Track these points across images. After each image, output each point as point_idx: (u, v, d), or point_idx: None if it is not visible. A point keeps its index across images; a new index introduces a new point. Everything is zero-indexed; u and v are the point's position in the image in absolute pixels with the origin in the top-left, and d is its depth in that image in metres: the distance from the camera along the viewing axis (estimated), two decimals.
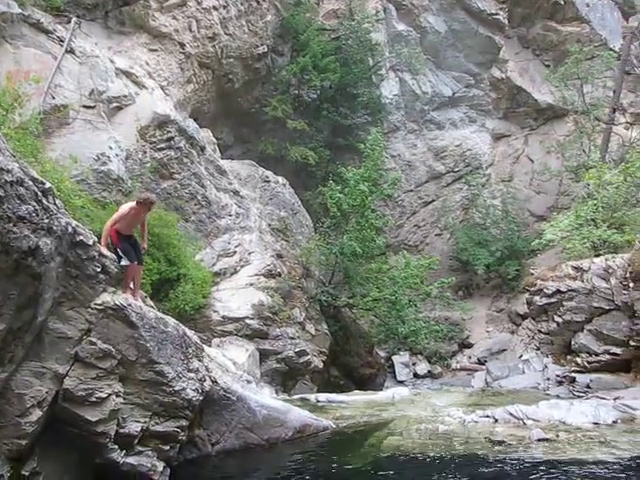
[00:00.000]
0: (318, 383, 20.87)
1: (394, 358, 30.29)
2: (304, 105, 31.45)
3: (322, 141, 30.88)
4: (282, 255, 21.93)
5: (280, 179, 25.34)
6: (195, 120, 22.58)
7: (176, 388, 9.96)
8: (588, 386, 19.51)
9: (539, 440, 13.04)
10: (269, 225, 22.95)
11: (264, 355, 19.01)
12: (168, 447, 9.99)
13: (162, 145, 19.87)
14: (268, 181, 24.74)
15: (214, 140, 24.55)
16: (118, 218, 10.80)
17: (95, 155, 17.98)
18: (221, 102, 27.39)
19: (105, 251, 9.99)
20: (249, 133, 30.37)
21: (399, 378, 29.10)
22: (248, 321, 19.00)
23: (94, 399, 9.10)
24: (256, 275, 20.47)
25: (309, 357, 20.10)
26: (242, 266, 20.71)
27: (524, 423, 14.47)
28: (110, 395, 9.27)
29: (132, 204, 11.06)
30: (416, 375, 30.20)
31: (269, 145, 29.38)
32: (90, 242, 9.41)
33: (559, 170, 35.85)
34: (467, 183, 37.76)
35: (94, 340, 9.29)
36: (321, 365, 20.84)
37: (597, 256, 22.35)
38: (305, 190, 28.80)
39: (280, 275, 20.98)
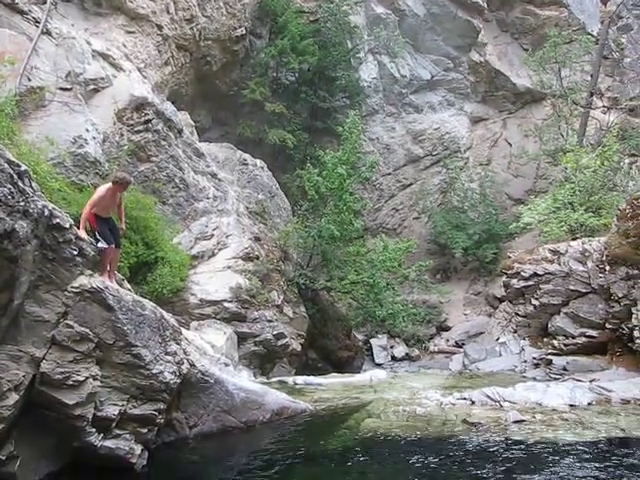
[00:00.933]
0: (296, 366, 20.87)
1: (372, 341, 30.37)
2: (282, 88, 31.38)
3: (300, 124, 30.83)
4: (260, 238, 21.88)
5: (258, 162, 25.26)
6: (173, 103, 22.42)
7: (153, 371, 9.93)
8: (564, 368, 19.65)
9: (515, 422, 13.13)
10: (247, 208, 22.90)
11: (242, 338, 19.00)
12: (146, 430, 9.97)
13: (139, 128, 19.70)
14: (246, 164, 24.66)
15: (192, 123, 24.43)
16: (96, 200, 10.73)
17: (72, 138, 17.77)
18: (199, 85, 27.25)
19: (82, 234, 9.94)
20: (227, 116, 30.26)
21: (377, 361, 29.18)
22: (226, 304, 18.95)
23: (71, 382, 9.06)
24: (234, 258, 20.41)
25: (287, 340, 20.12)
26: (220, 249, 20.64)
27: (501, 405, 14.55)
28: (87, 378, 9.23)
29: (108, 185, 11.00)
30: (394, 358, 30.28)
31: (247, 128, 29.29)
32: (67, 225, 9.34)
33: (537, 154, 35.99)
34: (445, 166, 37.81)
35: (71, 323, 9.24)
36: (299, 348, 20.85)
37: (574, 239, 22.50)
38: (283, 173, 28.77)
39: (258, 258, 20.94)
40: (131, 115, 19.66)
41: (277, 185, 25.67)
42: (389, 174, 37.38)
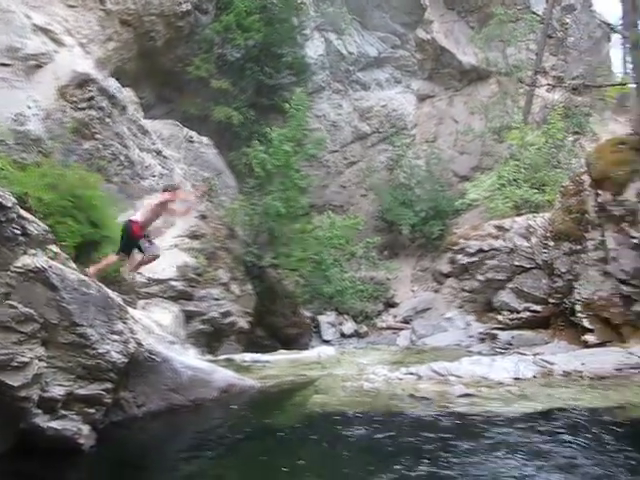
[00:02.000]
0: (244, 344, 20.88)
1: (320, 318, 30.38)
2: (228, 64, 31.03)
3: (246, 101, 30.56)
4: (206, 216, 21.76)
5: (204, 139, 25.12)
6: (117, 79, 22.06)
7: (100, 351, 9.87)
8: (509, 342, 20.00)
9: (461, 395, 13.34)
10: (193, 186, 22.75)
11: (189, 317, 18.94)
12: (93, 410, 9.91)
13: (83, 105, 19.39)
14: (192, 141, 24.53)
15: (136, 100, 24.09)
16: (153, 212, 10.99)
17: (13, 115, 17.44)
18: (143, 61, 26.86)
19: (25, 213, 9.82)
20: (172, 93, 29.90)
21: (325, 338, 29.24)
22: (173, 283, 18.85)
23: (16, 364, 8.94)
24: (180, 236, 20.29)
25: (234, 318, 20.12)
26: (166, 227, 20.50)
27: (447, 379, 14.74)
28: (32, 359, 9.12)
29: (161, 197, 11.19)
30: (342, 335, 30.36)
31: (192, 105, 28.98)
32: (9, 204, 9.18)
33: (482, 131, 36.26)
34: (392, 144, 37.87)
35: (14, 304, 9.11)
36: (246, 326, 20.86)
37: (519, 215, 22.78)
38: (229, 150, 28.55)
39: (204, 236, 20.84)
40: (74, 92, 19.33)
41: (223, 163, 25.56)
42: (336, 151, 37.35)
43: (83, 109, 19.37)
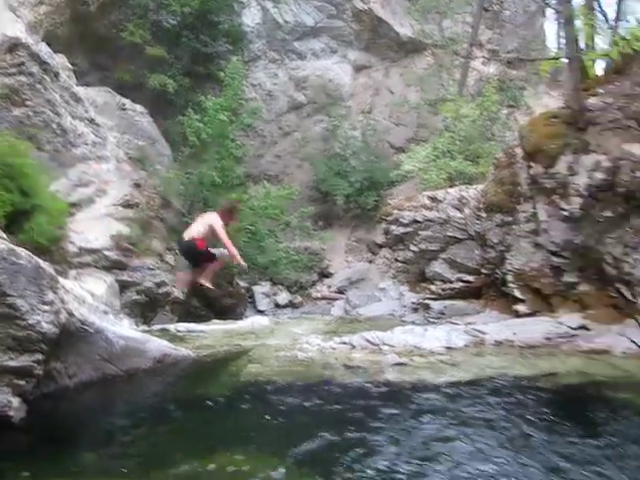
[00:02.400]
0: (178, 314, 20.77)
1: (255, 288, 30.42)
2: (163, 31, 30.60)
3: (182, 69, 30.22)
4: (140, 185, 21.47)
5: (138, 107, 24.75)
6: (48, 45, 21.58)
7: (30, 321, 9.70)
8: (442, 312, 20.26)
9: (394, 364, 13.50)
10: (127, 154, 22.42)
11: (123, 287, 18.73)
12: (24, 382, 9.75)
13: (13, 70, 18.91)
14: (126, 109, 24.15)
15: (69, 66, 23.58)
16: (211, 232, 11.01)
17: None
18: (76, 26, 26.35)
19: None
20: (106, 59, 29.42)
21: (260, 308, 29.30)
22: (106, 252, 18.59)
23: None
24: (114, 205, 19.99)
25: (169, 288, 19.98)
26: (99, 196, 20.15)
27: (380, 349, 14.88)
28: None
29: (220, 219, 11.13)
30: (277, 305, 30.46)
31: (126, 72, 28.57)
32: None
33: (418, 103, 36.48)
34: (328, 114, 37.90)
35: None
36: (181, 296, 20.73)
37: (452, 187, 22.98)
38: (164, 119, 28.20)
39: (138, 205, 20.57)
40: (3, 57, 18.83)
41: (158, 131, 25.24)
42: (272, 121, 37.28)
43: (13, 75, 18.89)
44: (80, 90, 22.52)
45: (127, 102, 24.37)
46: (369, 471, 8.22)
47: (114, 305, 17.53)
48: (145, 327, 17.82)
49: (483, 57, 36.83)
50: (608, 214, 15.89)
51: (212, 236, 13.12)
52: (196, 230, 14.44)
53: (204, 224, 12.73)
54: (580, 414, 10.52)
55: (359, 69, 39.71)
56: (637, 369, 13.29)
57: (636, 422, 10.07)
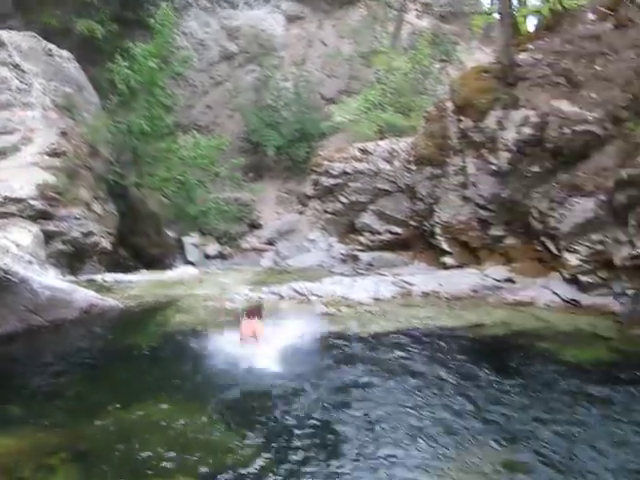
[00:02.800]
0: (106, 264, 20.45)
1: (184, 239, 30.16)
2: None
3: (110, 15, 29.45)
4: (67, 133, 20.94)
5: (65, 53, 24.05)
6: None
7: None
8: (370, 264, 20.40)
9: (322, 315, 13.58)
10: (53, 102, 21.78)
11: (49, 237, 18.33)
12: None
13: None
14: (52, 55, 23.42)
15: None
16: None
17: None
18: None
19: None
20: (31, 3, 28.47)
21: (189, 259, 29.06)
22: (31, 202, 18.14)
23: None
24: (40, 154, 19.48)
25: (96, 238, 19.65)
26: (24, 144, 19.64)
27: (308, 299, 14.96)
28: None
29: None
30: (206, 256, 30.28)
31: (53, 17, 27.69)
32: None
33: (351, 55, 36.31)
34: (260, 65, 37.47)
35: None
36: (109, 246, 20.42)
37: (383, 139, 22.99)
38: (92, 66, 27.48)
39: (65, 154, 20.08)
40: None
41: (85, 78, 24.57)
42: (203, 70, 36.68)
43: None
44: (3, 34, 21.79)
45: (53, 48, 23.63)
46: (286, 416, 8.35)
47: (40, 255, 17.16)
48: (72, 277, 17.52)
49: (416, 10, 36.77)
50: (535, 169, 16.13)
51: None
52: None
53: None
54: (499, 362, 10.81)
55: (292, 20, 39.22)
56: (559, 320, 13.64)
57: (550, 369, 10.41)
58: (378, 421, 8.24)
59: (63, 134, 20.54)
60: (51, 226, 18.47)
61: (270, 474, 6.82)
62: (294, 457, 7.25)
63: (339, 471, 6.96)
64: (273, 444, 7.57)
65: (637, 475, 6.98)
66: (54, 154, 19.72)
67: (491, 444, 7.64)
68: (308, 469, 7.00)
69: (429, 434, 7.85)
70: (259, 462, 7.06)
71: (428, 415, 8.43)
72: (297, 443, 7.61)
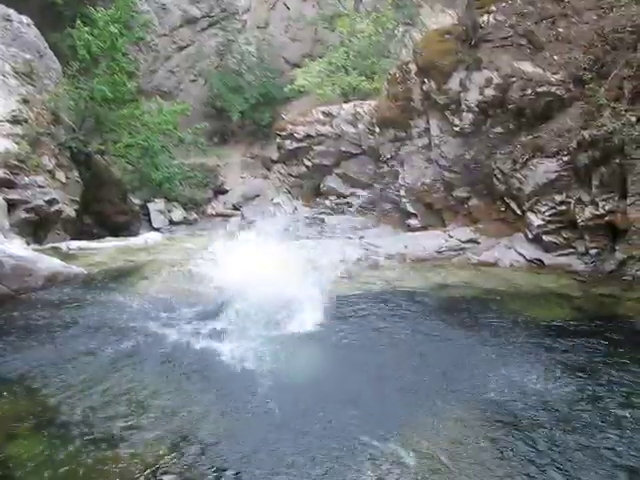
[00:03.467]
0: (71, 232, 20.31)
1: (149, 205, 30.09)
2: None
3: None
4: (28, 100, 20.64)
5: (24, 18, 23.64)
6: None
7: None
8: (336, 227, 20.45)
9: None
10: (13, 68, 21.46)
11: (12, 205, 18.11)
12: None
13: None
14: (10, 20, 22.99)
15: None
16: None
17: None
18: None
19: None
20: None
21: (155, 225, 29.05)
22: None
23: None
24: (0, 122, 19.28)
25: (60, 205, 19.47)
26: None
27: None
28: None
29: None
30: (172, 222, 30.28)
31: None
32: None
33: (314, 18, 36.13)
34: (222, 29, 37.24)
35: None
36: (73, 214, 20.28)
37: (346, 102, 22.97)
38: (52, 31, 27.12)
39: (27, 121, 19.81)
40: None
41: (46, 44, 24.18)
42: (165, 35, 36.41)
43: None
44: None
45: (12, 13, 23.20)
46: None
47: (3, 224, 16.97)
48: (37, 246, 17.38)
49: None
50: (498, 130, 16.22)
51: None
52: None
53: None
54: (461, 321, 10.93)
55: None
56: (523, 280, 13.82)
57: (511, 324, 10.57)
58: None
59: (24, 101, 20.26)
60: (14, 194, 18.24)
61: None
62: None
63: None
64: None
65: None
66: (15, 121, 19.45)
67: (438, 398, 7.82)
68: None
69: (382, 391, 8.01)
70: None
71: (383, 374, 8.57)
72: None
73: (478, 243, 16.21)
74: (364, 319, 10.82)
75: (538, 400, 7.69)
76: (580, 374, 8.46)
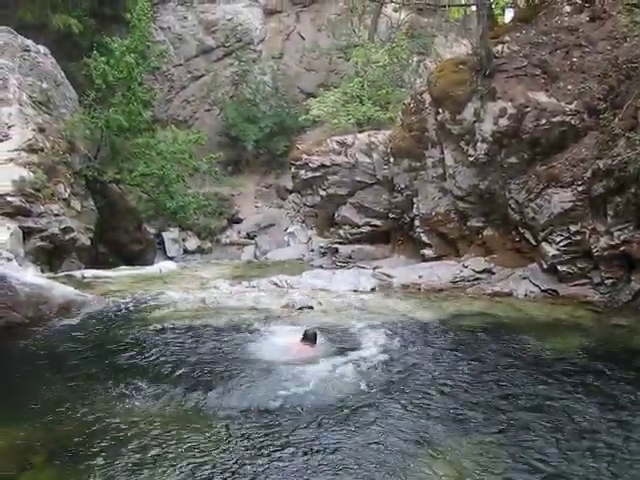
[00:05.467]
0: (85, 260, 20.43)
1: (164, 234, 30.21)
2: None
3: (87, 9, 29.35)
4: (45, 129, 20.80)
5: (41, 48, 23.87)
6: None
7: None
8: (350, 256, 20.48)
9: (301, 308, 13.59)
10: (30, 97, 21.64)
11: (28, 233, 18.22)
12: None
13: None
14: (28, 50, 23.23)
15: None
16: None
17: None
18: None
19: None
20: None
21: (169, 254, 29.14)
22: (9, 198, 18.01)
23: None
24: (16, 150, 19.32)
25: (75, 234, 19.59)
26: (1, 141, 19.53)
27: (288, 292, 14.98)
28: None
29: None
30: (186, 251, 30.39)
31: (29, 12, 27.50)
32: None
33: (329, 48, 36.36)
34: (238, 59, 37.51)
35: None
36: (88, 242, 20.40)
37: (361, 132, 23.01)
38: (69, 61, 27.33)
39: (43, 150, 19.95)
40: None
41: (62, 74, 24.41)
42: (180, 65, 36.74)
43: None
44: None
45: (30, 43, 23.43)
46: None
47: (18, 252, 17.08)
48: (51, 274, 17.46)
49: (394, 2, 36.73)
50: (513, 160, 16.17)
51: None
52: None
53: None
54: (476, 352, 10.83)
55: (270, 13, 39.24)
56: (538, 311, 13.74)
57: (527, 357, 10.50)
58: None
59: (40, 130, 20.42)
60: (29, 223, 18.37)
61: None
62: None
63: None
64: None
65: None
66: (31, 150, 19.59)
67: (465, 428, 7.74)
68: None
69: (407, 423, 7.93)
70: None
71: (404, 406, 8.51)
72: None
73: (493, 273, 16.15)
74: (382, 352, 10.75)
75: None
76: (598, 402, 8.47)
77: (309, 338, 10.42)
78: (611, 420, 8.08)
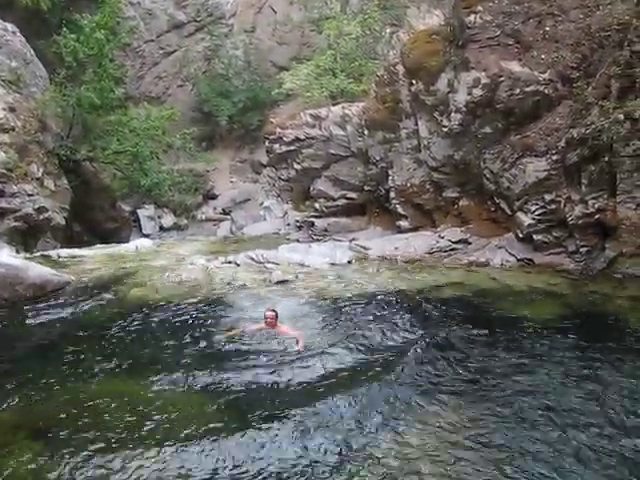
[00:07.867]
0: (60, 240, 20.27)
1: (139, 211, 29.98)
2: None
3: None
4: (15, 108, 20.54)
5: (9, 26, 23.54)
6: None
7: None
8: (326, 230, 20.51)
9: (279, 282, 13.60)
10: None
11: (1, 214, 18.08)
12: None
13: None
14: None
15: None
16: None
17: None
18: None
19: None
20: None
21: (145, 231, 28.94)
22: None
23: None
24: None
25: (49, 213, 19.42)
26: None
27: (265, 267, 14.97)
28: None
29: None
30: (162, 228, 30.19)
31: None
32: None
33: (301, 21, 36.06)
34: (209, 33, 37.11)
35: None
36: (63, 221, 20.22)
37: (335, 105, 22.93)
38: (38, 39, 26.91)
39: (14, 129, 19.71)
40: None
41: (32, 52, 24.09)
42: (152, 40, 36.27)
43: None
44: None
45: None
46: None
47: None
48: (26, 254, 17.35)
49: None
50: (487, 130, 16.17)
51: None
52: None
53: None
54: (454, 321, 10.89)
55: None
56: (513, 279, 13.81)
57: (503, 324, 10.63)
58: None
59: (11, 109, 20.16)
60: (3, 203, 18.21)
61: None
62: None
63: None
64: None
65: None
66: (2, 130, 19.36)
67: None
68: None
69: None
70: None
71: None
72: None
73: (469, 243, 16.21)
74: (349, 320, 10.84)
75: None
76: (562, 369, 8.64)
77: (270, 317, 10.38)
78: (586, 368, 8.56)
